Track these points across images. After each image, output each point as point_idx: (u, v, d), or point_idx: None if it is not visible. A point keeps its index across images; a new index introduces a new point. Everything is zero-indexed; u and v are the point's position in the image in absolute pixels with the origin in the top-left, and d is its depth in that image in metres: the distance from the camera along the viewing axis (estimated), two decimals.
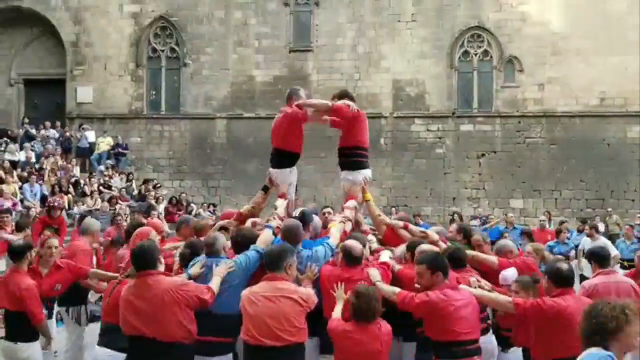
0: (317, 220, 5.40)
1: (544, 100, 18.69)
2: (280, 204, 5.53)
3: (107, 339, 4.56)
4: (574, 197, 18.50)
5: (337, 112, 5.53)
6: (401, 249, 5.05)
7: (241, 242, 4.70)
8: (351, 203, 5.49)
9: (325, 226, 5.39)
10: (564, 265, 4.23)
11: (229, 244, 4.72)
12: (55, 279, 5.29)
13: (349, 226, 5.24)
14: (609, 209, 17.41)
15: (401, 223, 5.48)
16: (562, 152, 18.53)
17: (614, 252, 9.59)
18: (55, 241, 5.47)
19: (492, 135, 18.92)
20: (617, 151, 18.33)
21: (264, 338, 3.87)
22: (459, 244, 5.45)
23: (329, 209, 6.45)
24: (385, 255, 4.79)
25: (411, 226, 5.51)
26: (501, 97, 18.96)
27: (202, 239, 5.19)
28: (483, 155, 18.94)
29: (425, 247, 4.67)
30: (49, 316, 5.48)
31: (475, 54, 19.16)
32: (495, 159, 18.88)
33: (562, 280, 4.08)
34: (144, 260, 4.11)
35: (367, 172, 5.68)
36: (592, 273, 5.29)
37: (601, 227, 13.85)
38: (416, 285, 4.23)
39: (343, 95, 5.79)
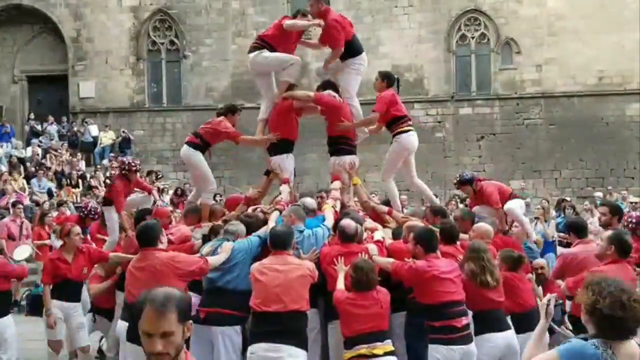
0: (311, 200, 5.71)
1: (542, 81, 18.82)
2: (284, 189, 5.88)
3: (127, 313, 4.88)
4: (574, 177, 18.69)
5: (320, 103, 5.91)
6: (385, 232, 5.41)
7: (249, 226, 5.08)
8: (336, 184, 5.85)
9: (319, 208, 5.68)
10: (628, 237, 4.60)
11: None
12: (81, 264, 5.67)
13: (338, 205, 5.57)
14: (609, 187, 17.58)
15: (385, 208, 5.86)
16: (561, 132, 18.69)
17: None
18: (78, 228, 5.83)
19: (491, 117, 19.09)
20: (616, 129, 18.48)
21: (270, 304, 4.18)
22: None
23: (322, 193, 6.83)
24: (378, 234, 5.16)
25: (394, 212, 5.84)
26: (499, 80, 19.10)
27: (214, 222, 5.58)
28: (483, 137, 19.13)
29: (412, 223, 5.11)
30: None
31: (473, 38, 19.28)
32: (494, 141, 19.06)
33: (624, 251, 4.46)
34: (146, 237, 4.48)
35: (352, 158, 6.04)
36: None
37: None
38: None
39: (326, 85, 6.17)
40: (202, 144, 6.39)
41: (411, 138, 6.21)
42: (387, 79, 6.29)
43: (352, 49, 6.25)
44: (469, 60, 19.46)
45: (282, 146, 6.21)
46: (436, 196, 7.64)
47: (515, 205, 6.34)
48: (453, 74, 19.35)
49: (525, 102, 18.91)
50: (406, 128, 6.16)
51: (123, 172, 6.81)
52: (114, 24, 20.04)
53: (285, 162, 6.21)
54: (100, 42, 20.05)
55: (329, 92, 6.05)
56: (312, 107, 6.20)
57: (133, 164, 6.84)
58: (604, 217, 5.44)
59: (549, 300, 2.88)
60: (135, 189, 7.16)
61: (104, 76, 20.08)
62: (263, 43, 6.25)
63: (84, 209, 7.54)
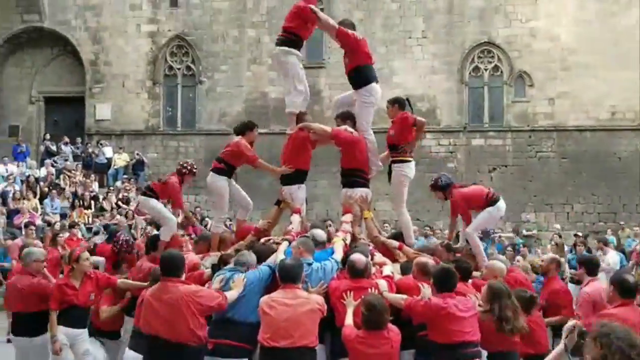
0: (321, 233, 5.69)
1: (554, 115, 18.84)
2: (295, 219, 5.89)
3: (136, 342, 4.86)
4: (586, 211, 18.55)
5: (337, 138, 5.94)
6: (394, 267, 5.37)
7: (259, 257, 5.08)
8: (347, 217, 5.84)
9: (329, 239, 5.68)
10: (630, 277, 4.40)
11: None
12: (88, 290, 5.68)
13: (348, 239, 5.55)
14: (621, 223, 17.43)
15: (396, 243, 5.81)
16: (573, 165, 18.62)
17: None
18: (87, 254, 5.86)
19: (503, 149, 19.08)
20: (628, 165, 18.39)
21: (279, 339, 4.15)
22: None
23: (329, 222, 6.85)
24: (387, 269, 5.12)
25: (405, 247, 5.80)
26: (512, 112, 19.14)
27: (222, 252, 5.59)
28: (495, 169, 19.09)
29: (422, 260, 5.02)
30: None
31: (486, 70, 19.39)
32: (506, 172, 19.01)
33: (627, 291, 4.24)
34: (168, 267, 4.46)
35: (365, 191, 6.04)
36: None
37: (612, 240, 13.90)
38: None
39: (345, 116, 6.19)
40: (226, 167, 6.46)
41: (412, 166, 6.30)
42: (398, 103, 6.36)
43: (361, 78, 6.27)
44: (482, 92, 19.54)
45: (295, 176, 6.25)
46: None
47: (473, 231, 6.16)
48: (466, 105, 19.43)
49: (538, 135, 18.90)
50: (409, 158, 6.25)
51: (183, 171, 6.91)
52: (132, 49, 20.40)
53: (297, 193, 6.25)
54: (117, 65, 20.40)
55: (346, 128, 6.08)
56: (328, 140, 6.21)
57: (195, 168, 6.97)
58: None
59: (573, 326, 2.78)
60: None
61: (120, 99, 20.38)
62: (290, 35, 6.36)
63: (117, 242, 7.14)
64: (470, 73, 19.49)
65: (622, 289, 4.21)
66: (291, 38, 6.36)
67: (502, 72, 19.31)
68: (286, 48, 6.34)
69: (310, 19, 6.33)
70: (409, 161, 6.24)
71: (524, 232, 16.45)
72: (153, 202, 6.76)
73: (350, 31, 6.26)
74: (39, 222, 13.06)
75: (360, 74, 6.25)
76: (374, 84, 6.32)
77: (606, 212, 18.40)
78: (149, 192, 6.96)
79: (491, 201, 6.12)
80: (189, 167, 6.92)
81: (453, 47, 19.33)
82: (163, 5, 20.36)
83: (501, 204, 6.17)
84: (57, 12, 20.55)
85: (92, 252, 7.65)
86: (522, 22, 19.01)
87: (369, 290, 4.52)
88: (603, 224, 17.97)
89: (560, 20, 18.79)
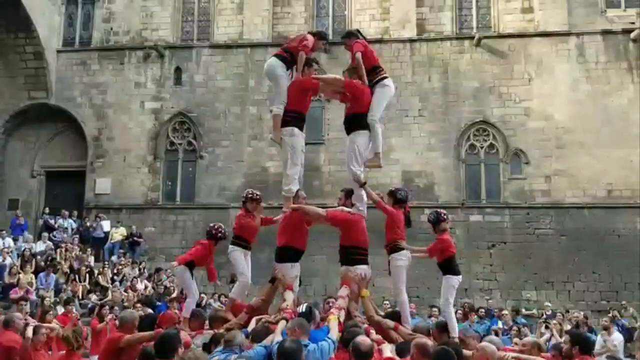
0: (316, 313, 5.62)
1: (551, 192, 18.98)
2: (288, 295, 5.82)
3: None
4: (587, 289, 18.31)
5: (333, 221, 6.00)
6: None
7: (254, 337, 5.04)
8: (344, 291, 5.78)
9: (323, 319, 5.58)
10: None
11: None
12: None
13: (342, 315, 5.46)
14: (624, 302, 17.14)
15: (392, 323, 5.71)
16: (572, 243, 18.55)
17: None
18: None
19: (501, 226, 19.08)
20: (628, 243, 18.31)
21: None
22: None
23: (331, 300, 6.78)
24: (387, 350, 5.00)
25: (401, 327, 5.70)
26: (509, 189, 19.30)
27: (215, 331, 5.46)
28: (494, 246, 19.01)
29: (421, 341, 4.86)
30: None
31: (482, 147, 19.73)
32: (505, 249, 18.92)
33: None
34: (163, 348, 4.36)
35: (364, 269, 6.01)
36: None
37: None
38: None
39: (350, 193, 6.26)
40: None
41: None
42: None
43: (360, 124, 6.53)
44: (479, 169, 19.79)
45: (289, 255, 6.22)
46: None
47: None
48: (463, 181, 19.62)
49: (536, 212, 18.96)
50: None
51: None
52: (135, 124, 20.83)
53: (290, 271, 6.21)
54: (120, 141, 20.76)
55: (342, 209, 6.14)
56: (324, 222, 6.24)
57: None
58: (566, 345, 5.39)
59: None
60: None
61: (120, 173, 20.59)
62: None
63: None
64: (466, 150, 19.81)
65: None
66: (293, 115, 6.50)
67: (497, 149, 19.63)
68: (289, 128, 6.43)
69: (313, 89, 6.49)
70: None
71: (524, 312, 16.15)
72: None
73: (356, 81, 6.46)
74: (33, 297, 12.85)
75: (361, 121, 6.45)
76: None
77: (608, 291, 18.15)
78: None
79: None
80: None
81: (449, 125, 19.76)
82: (167, 84, 20.99)
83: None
84: (63, 89, 21.17)
85: None
86: (516, 102, 19.52)
87: None
88: (605, 302, 17.68)
89: (553, 101, 19.32)
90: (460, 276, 6.42)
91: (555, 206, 18.90)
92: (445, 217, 6.50)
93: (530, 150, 19.21)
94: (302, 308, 5.48)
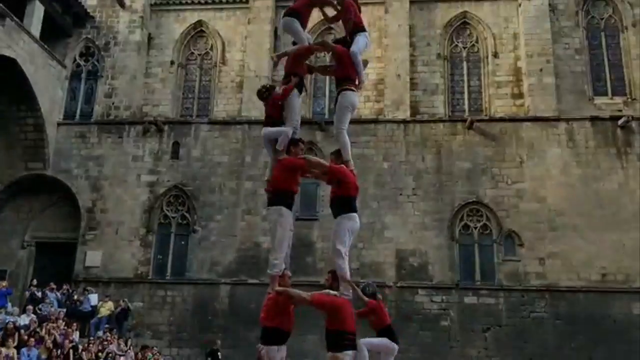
0: None
1: (546, 274, 18.84)
2: None
3: None
4: None
5: (317, 306, 5.90)
6: None
7: None
8: None
9: None
10: None
11: None
12: None
13: None
14: None
15: None
16: (568, 327, 18.23)
17: None
18: None
19: (496, 308, 18.78)
20: (624, 328, 18.01)
21: None
22: None
23: None
24: None
25: None
26: (503, 271, 19.16)
27: None
28: (489, 329, 18.63)
29: None
30: None
31: (475, 228, 19.77)
32: (501, 333, 18.54)
33: None
34: None
35: (351, 354, 5.86)
36: None
37: None
38: None
39: (335, 276, 6.17)
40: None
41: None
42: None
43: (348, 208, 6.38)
44: (472, 249, 19.72)
45: (275, 336, 6.04)
46: None
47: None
48: (457, 261, 19.50)
49: (530, 295, 18.74)
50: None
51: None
52: (130, 197, 20.87)
53: (275, 353, 6.02)
54: (113, 213, 20.71)
55: (328, 292, 6.03)
56: (309, 305, 6.10)
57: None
58: None
59: None
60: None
61: (112, 246, 20.40)
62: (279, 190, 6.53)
63: None
64: (460, 230, 19.83)
65: None
66: (282, 194, 6.47)
67: (491, 230, 19.66)
68: (278, 207, 6.42)
69: (301, 168, 6.55)
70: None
71: None
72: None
73: (340, 166, 6.48)
74: None
75: (350, 204, 6.38)
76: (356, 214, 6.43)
77: None
78: None
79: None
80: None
81: (443, 204, 19.88)
82: (165, 158, 21.22)
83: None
84: (60, 161, 21.35)
85: None
86: (508, 183, 19.77)
87: None
88: None
89: (545, 183, 19.58)
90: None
91: (550, 289, 18.70)
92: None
93: (523, 232, 19.25)
94: None
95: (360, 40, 6.84)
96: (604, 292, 18.44)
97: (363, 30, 7.04)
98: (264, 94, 6.98)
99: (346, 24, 7.18)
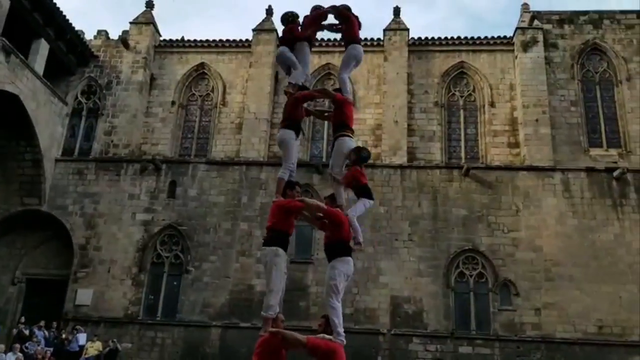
0: None
1: (542, 325, 18.60)
2: None
3: None
4: None
5: (312, 350, 5.78)
6: None
7: None
8: None
9: None
10: None
11: None
12: None
13: None
14: None
15: None
16: None
17: None
18: None
19: (491, 359, 18.45)
20: None
21: None
22: None
23: None
24: None
25: None
26: (499, 320, 18.91)
27: None
28: None
29: None
30: None
31: (471, 276, 19.61)
32: None
33: None
34: None
35: None
36: None
37: None
38: None
39: (328, 321, 6.09)
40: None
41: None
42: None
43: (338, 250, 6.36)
44: (468, 297, 19.51)
45: None
46: None
47: None
48: (452, 310, 19.26)
49: (526, 346, 18.44)
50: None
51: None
52: (124, 235, 20.72)
53: None
54: (107, 251, 20.53)
55: (323, 336, 5.94)
56: (302, 348, 5.97)
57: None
58: None
59: None
60: None
61: (103, 284, 20.12)
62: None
63: None
64: (456, 278, 19.66)
65: None
66: (278, 235, 6.47)
67: (487, 279, 19.50)
68: (274, 248, 6.42)
69: (297, 211, 6.57)
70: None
71: None
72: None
73: (336, 209, 6.54)
74: None
75: (345, 248, 6.40)
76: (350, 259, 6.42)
77: None
78: None
79: None
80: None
81: (438, 251, 19.78)
82: (161, 197, 21.18)
83: None
84: (56, 197, 21.29)
85: None
86: (504, 232, 19.73)
87: None
88: None
89: (541, 233, 19.55)
90: None
91: (545, 340, 18.43)
92: None
93: (519, 282, 19.10)
94: None
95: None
96: (600, 345, 18.17)
97: (358, 43, 7.43)
98: (289, 17, 7.23)
99: (345, 32, 7.53)
